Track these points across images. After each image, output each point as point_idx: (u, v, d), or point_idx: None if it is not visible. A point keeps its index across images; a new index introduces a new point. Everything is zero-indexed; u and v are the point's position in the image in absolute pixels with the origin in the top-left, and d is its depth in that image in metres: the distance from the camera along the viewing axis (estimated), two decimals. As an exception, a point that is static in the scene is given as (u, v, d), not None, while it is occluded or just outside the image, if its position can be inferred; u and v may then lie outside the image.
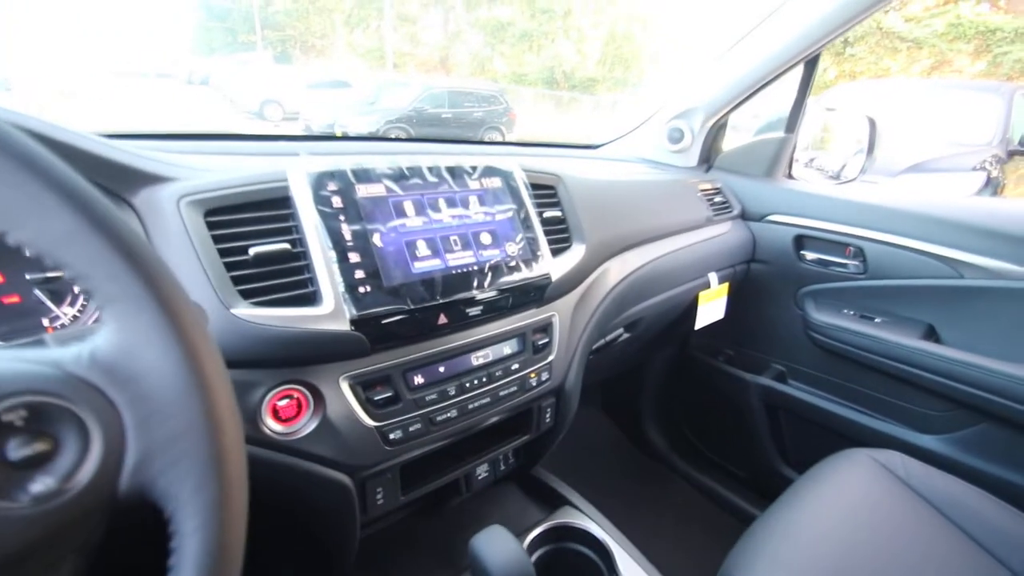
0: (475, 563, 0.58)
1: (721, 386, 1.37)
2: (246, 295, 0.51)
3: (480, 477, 0.83)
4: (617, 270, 0.91)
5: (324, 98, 9.79)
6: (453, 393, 0.65)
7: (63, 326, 0.52)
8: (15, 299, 0.50)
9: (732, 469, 1.43)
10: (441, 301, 0.60)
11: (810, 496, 0.77)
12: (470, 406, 0.67)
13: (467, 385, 0.66)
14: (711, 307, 1.21)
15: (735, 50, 1.16)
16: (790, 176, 1.27)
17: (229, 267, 0.51)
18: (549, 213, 0.77)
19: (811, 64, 1.13)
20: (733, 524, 1.34)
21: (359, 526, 0.66)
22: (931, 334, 1.05)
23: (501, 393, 0.70)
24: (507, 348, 0.71)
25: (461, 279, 0.62)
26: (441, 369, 0.64)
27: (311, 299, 0.54)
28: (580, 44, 19.23)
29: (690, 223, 1.11)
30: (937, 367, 0.98)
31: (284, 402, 0.54)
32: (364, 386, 0.58)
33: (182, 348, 0.26)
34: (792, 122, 1.20)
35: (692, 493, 1.45)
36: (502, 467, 0.87)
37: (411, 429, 0.61)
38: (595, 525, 0.81)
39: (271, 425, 0.53)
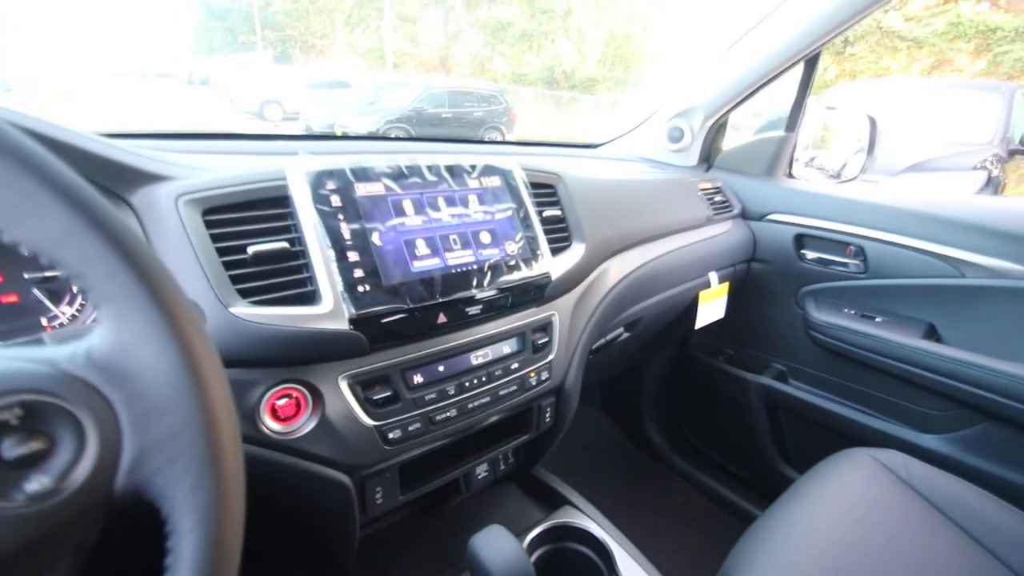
0: (475, 563, 0.57)
1: (721, 386, 1.37)
2: (244, 294, 0.51)
3: (480, 477, 0.83)
4: (617, 269, 0.90)
5: (324, 98, 9.78)
6: (452, 392, 0.64)
7: (62, 325, 0.52)
8: (13, 298, 0.50)
9: (732, 469, 1.43)
10: (440, 300, 0.60)
11: (811, 496, 0.77)
12: (469, 405, 0.66)
13: (466, 384, 0.66)
14: (711, 306, 1.20)
15: (735, 49, 1.15)
16: (790, 175, 1.27)
17: (227, 266, 0.51)
18: (549, 212, 0.77)
19: (811, 63, 1.13)
20: (733, 524, 1.34)
21: (358, 526, 0.66)
22: (932, 333, 1.04)
23: (501, 392, 0.70)
24: (507, 347, 0.71)
25: (460, 278, 0.62)
26: (440, 368, 0.64)
27: (310, 298, 0.54)
28: (580, 44, 19.21)
29: (690, 222, 1.11)
30: (938, 367, 0.97)
31: (283, 401, 0.53)
32: (363, 385, 0.58)
33: (178, 346, 0.26)
34: (792, 121, 1.20)
35: (692, 493, 1.45)
36: (502, 467, 0.87)
37: (410, 428, 0.61)
38: (595, 525, 0.80)
39: (270, 424, 0.53)
